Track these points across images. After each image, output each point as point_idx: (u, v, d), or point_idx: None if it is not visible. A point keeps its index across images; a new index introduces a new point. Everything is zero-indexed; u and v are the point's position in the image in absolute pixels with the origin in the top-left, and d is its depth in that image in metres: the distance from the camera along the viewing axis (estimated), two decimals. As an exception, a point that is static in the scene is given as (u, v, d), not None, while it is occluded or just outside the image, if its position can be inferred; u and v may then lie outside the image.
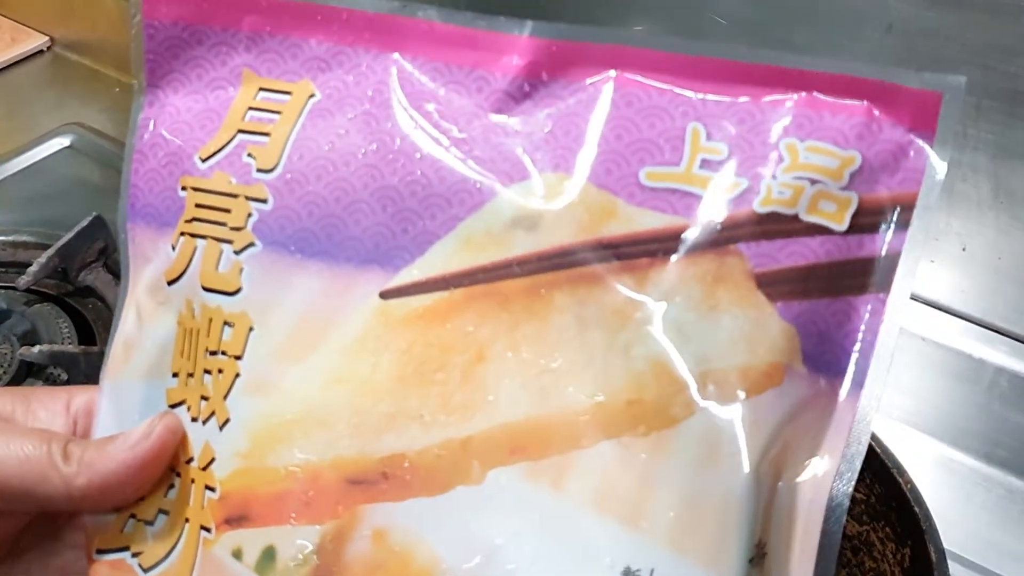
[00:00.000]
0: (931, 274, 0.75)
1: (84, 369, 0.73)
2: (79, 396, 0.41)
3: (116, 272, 0.83)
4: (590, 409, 0.33)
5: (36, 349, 0.72)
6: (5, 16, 1.18)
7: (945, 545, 0.53)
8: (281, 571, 0.34)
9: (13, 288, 0.80)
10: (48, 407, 0.40)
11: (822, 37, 0.70)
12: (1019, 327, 0.73)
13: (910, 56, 0.67)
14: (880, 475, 0.56)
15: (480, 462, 0.33)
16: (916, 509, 0.54)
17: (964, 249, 0.72)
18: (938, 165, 0.32)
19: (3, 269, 0.84)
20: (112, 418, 0.39)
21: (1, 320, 0.77)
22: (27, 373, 0.74)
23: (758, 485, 0.32)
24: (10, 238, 0.86)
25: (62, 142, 1.00)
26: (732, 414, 0.32)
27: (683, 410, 0.32)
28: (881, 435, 0.57)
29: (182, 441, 0.37)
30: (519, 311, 0.34)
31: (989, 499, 0.72)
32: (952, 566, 0.53)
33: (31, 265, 0.79)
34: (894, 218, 0.33)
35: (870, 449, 0.56)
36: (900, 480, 0.55)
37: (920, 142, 0.32)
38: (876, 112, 0.33)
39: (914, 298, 0.76)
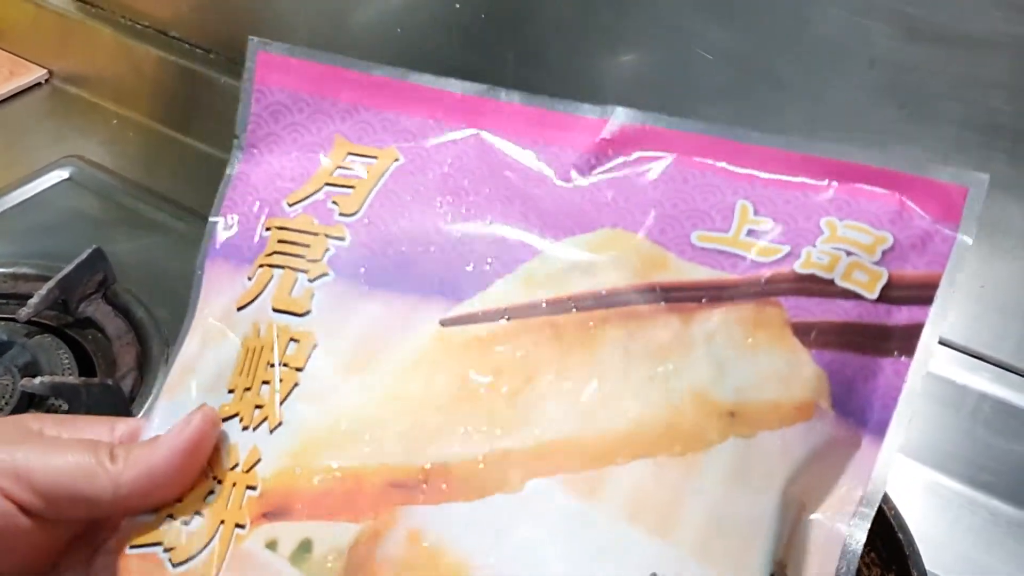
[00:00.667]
0: (915, 302, 0.76)
1: (85, 400, 0.73)
2: (121, 424, 0.42)
3: (115, 303, 0.85)
4: (629, 430, 0.35)
5: (37, 380, 0.73)
6: (3, 49, 1.18)
7: (931, 568, 0.54)
8: (316, 563, 0.36)
9: (14, 320, 0.80)
10: (92, 432, 0.41)
11: (806, 71, 0.71)
12: (1002, 353, 0.74)
13: (892, 89, 0.69)
14: (865, 501, 0.58)
15: (520, 472, 0.35)
16: (900, 536, 0.55)
17: (947, 277, 0.73)
18: (962, 251, 0.36)
19: (4, 301, 0.85)
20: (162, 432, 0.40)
21: (2, 351, 0.77)
22: (28, 404, 0.75)
23: (782, 510, 0.35)
24: (10, 270, 0.87)
25: (61, 174, 1.01)
26: (765, 441, 0.35)
27: (718, 435, 0.35)
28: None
29: (228, 449, 0.39)
30: (570, 342, 0.37)
31: (974, 522, 0.73)
32: (938, 589, 0.54)
33: (32, 297, 0.80)
34: (919, 294, 0.36)
35: (855, 476, 0.58)
36: (884, 508, 0.56)
37: (946, 231, 0.36)
38: (908, 202, 0.36)
39: (899, 325, 0.77)
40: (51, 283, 0.81)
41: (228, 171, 0.44)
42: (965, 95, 0.66)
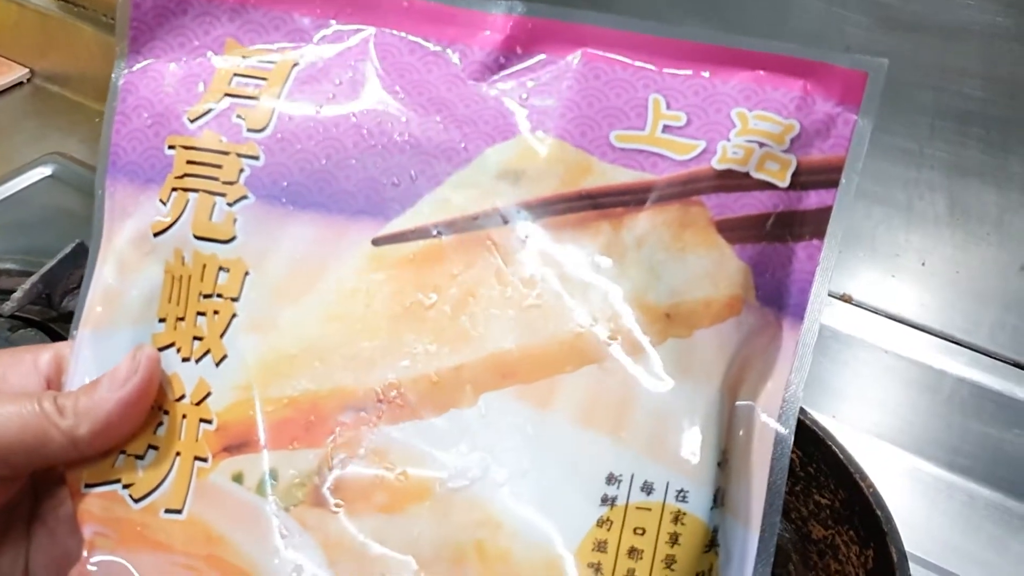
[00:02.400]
0: (892, 289, 0.77)
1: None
2: (44, 353, 0.41)
3: (99, 298, 0.84)
4: (574, 338, 0.36)
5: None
6: (-15, 49, 1.19)
7: (909, 549, 0.54)
8: (283, 491, 0.37)
9: (-2, 314, 0.80)
10: (17, 369, 0.41)
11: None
12: (977, 338, 0.75)
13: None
14: (844, 481, 0.58)
15: (473, 387, 0.36)
16: (878, 513, 0.55)
17: (923, 264, 0.74)
18: (863, 133, 0.37)
19: (-13, 296, 0.84)
20: (94, 365, 0.40)
21: (-15, 346, 0.77)
22: (12, 397, 0.74)
23: (722, 400, 0.36)
24: (-7, 266, 0.87)
25: (43, 171, 1.01)
26: (701, 339, 0.36)
27: (658, 336, 0.36)
28: (847, 446, 0.59)
29: (171, 380, 0.39)
30: (504, 254, 0.37)
31: (951, 506, 0.74)
32: (916, 569, 0.55)
33: (15, 291, 0.80)
34: (826, 178, 0.37)
35: (834, 456, 0.59)
36: (863, 485, 0.57)
37: (848, 114, 0.37)
38: (811, 88, 0.37)
39: (876, 312, 0.78)
40: (35, 277, 0.80)
41: (113, 80, 0.42)
42: (937, 83, 0.67)
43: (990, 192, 0.69)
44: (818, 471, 0.60)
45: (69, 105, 1.13)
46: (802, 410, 0.60)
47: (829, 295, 0.79)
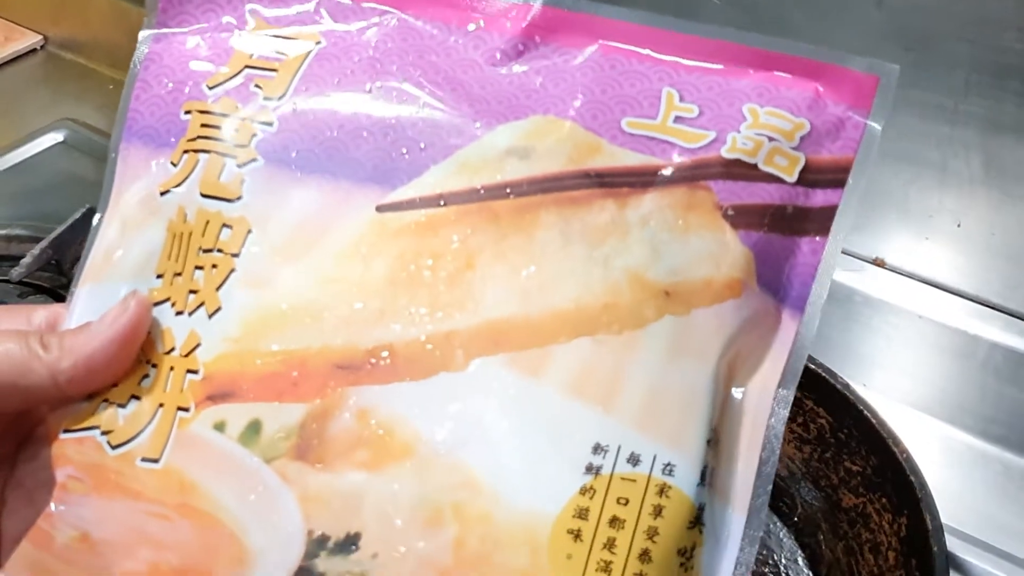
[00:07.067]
0: (926, 252, 0.75)
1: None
2: (39, 311, 0.42)
3: (110, 264, 0.83)
4: (569, 310, 0.37)
5: (30, 339, 0.71)
6: (-2, 16, 1.18)
7: (943, 519, 0.53)
8: (266, 443, 0.37)
9: (7, 280, 0.79)
10: (8, 322, 0.41)
11: (814, 13, 0.70)
12: (1013, 302, 0.73)
13: (899, 31, 0.67)
14: (876, 447, 0.57)
15: (464, 352, 0.37)
16: (912, 478, 0.54)
17: (959, 226, 0.72)
18: (872, 136, 0.37)
19: (-2, 262, 0.84)
20: (88, 317, 0.40)
21: (-5, 312, 0.76)
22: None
23: (716, 379, 0.37)
24: (3, 232, 0.86)
25: (55, 137, 1.00)
26: (699, 318, 0.37)
27: (654, 313, 0.37)
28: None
29: (163, 334, 0.39)
30: (507, 226, 0.38)
31: (986, 475, 0.72)
32: (949, 540, 0.53)
33: (24, 257, 0.79)
34: (833, 177, 0.38)
35: (866, 421, 0.57)
36: (896, 450, 0.55)
37: (858, 117, 0.37)
38: (823, 89, 0.38)
39: (909, 276, 0.76)
40: (44, 243, 0.80)
41: (138, 48, 0.43)
42: (972, 36, 0.65)
43: (1028, 150, 0.67)
44: (849, 437, 0.58)
45: (82, 71, 1.13)
46: (832, 373, 0.59)
47: (861, 259, 0.77)
